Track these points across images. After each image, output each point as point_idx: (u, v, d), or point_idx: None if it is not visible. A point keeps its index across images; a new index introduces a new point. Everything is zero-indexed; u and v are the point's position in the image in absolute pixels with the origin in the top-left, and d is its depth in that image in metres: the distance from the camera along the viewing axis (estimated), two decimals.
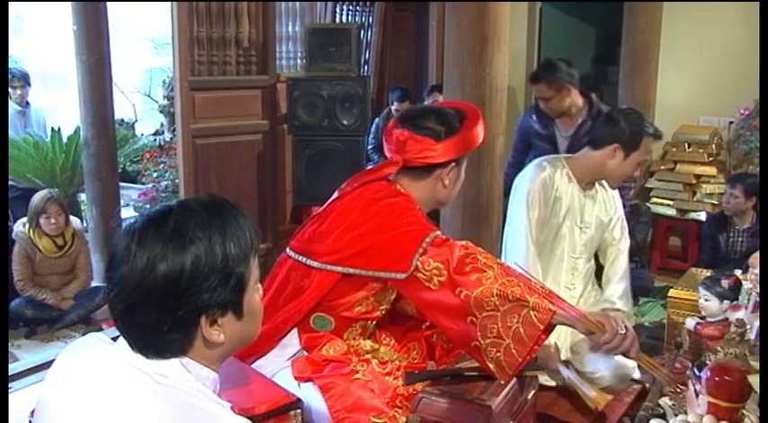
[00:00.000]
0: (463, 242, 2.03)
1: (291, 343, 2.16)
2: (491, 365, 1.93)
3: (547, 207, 2.82)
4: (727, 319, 2.45)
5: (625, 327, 1.95)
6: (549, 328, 1.93)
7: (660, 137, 2.92)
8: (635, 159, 2.80)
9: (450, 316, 1.95)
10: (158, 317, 1.12)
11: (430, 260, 1.95)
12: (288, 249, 2.20)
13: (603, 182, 2.96)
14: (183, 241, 1.13)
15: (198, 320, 1.15)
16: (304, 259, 2.12)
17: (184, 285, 1.12)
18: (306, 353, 2.14)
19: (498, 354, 1.91)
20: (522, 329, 1.88)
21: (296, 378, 2.08)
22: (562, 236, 2.86)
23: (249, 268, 1.21)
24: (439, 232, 2.03)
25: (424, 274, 1.95)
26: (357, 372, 2.05)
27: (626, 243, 3.06)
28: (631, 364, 2.73)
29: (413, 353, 2.25)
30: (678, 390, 1.95)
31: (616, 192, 3.01)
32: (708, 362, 2.24)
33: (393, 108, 5.94)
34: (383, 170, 2.18)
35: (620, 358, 2.71)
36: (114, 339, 1.21)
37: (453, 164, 2.15)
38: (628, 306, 2.99)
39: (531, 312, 1.88)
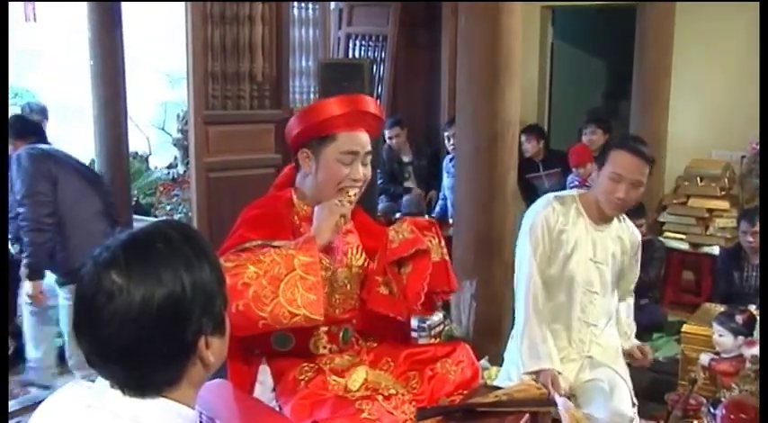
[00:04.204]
0: None
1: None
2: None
3: (551, 241, 2.79)
4: (741, 354, 2.43)
5: None
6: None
7: (635, 151, 2.69)
8: (605, 173, 2.71)
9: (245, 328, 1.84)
10: (163, 345, 1.10)
11: None
12: None
13: (625, 219, 2.93)
14: (175, 263, 1.11)
15: (198, 343, 1.13)
16: None
17: (187, 306, 1.10)
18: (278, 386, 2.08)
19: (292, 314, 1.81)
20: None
21: None
22: (572, 270, 2.82)
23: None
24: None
25: None
26: (363, 410, 2.00)
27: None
28: (629, 413, 2.66)
29: (412, 382, 2.17)
30: None
31: (635, 231, 2.96)
32: (722, 399, 2.22)
33: (386, 135, 6.04)
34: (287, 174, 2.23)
35: (618, 406, 2.67)
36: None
37: (305, 149, 2.12)
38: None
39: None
